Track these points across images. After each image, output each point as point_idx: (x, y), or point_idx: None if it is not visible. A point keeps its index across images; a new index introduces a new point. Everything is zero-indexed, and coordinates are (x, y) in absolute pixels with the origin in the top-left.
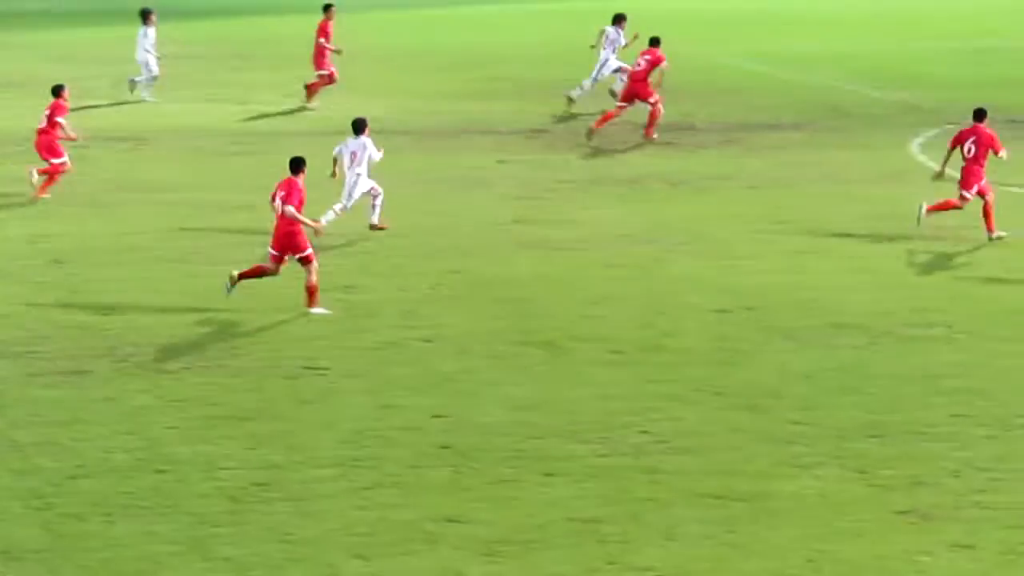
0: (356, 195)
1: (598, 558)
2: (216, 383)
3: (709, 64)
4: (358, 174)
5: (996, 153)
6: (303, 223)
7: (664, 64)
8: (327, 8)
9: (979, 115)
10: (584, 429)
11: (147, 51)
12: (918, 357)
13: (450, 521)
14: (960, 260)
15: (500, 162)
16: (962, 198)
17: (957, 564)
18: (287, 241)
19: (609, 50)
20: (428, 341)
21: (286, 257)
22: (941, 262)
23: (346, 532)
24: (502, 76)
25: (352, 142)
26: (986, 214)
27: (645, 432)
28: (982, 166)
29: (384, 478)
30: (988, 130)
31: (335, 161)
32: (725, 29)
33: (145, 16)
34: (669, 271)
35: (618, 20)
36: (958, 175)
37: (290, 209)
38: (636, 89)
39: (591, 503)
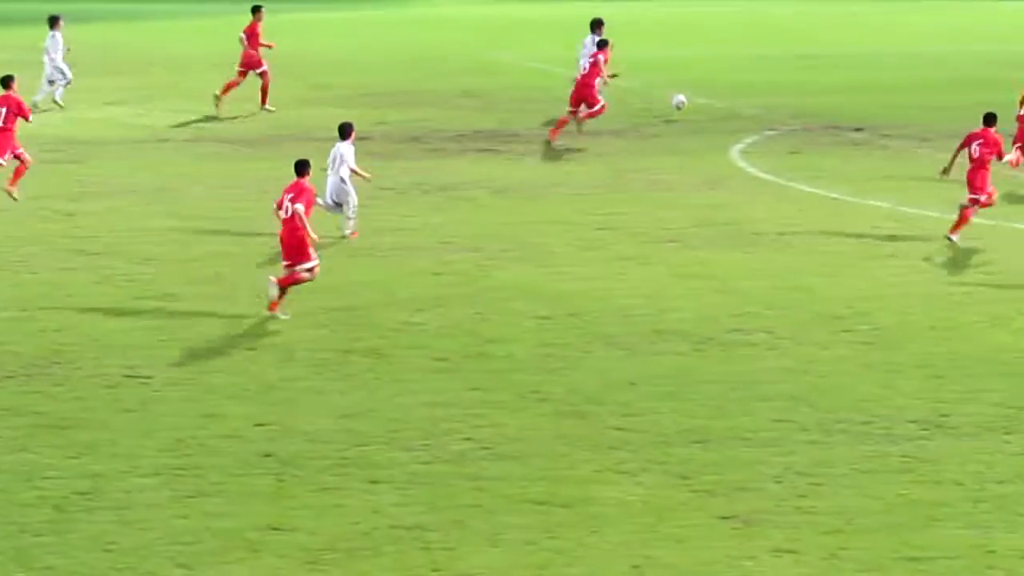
0: (332, 199)
1: (423, 565)
2: (38, 391)
3: (533, 71)
4: (341, 177)
5: (1000, 158)
6: (305, 230)
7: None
8: (256, 9)
9: (989, 119)
10: (408, 436)
11: (54, 57)
12: (740, 363)
13: (273, 529)
14: (780, 266)
15: (323, 170)
16: (973, 202)
17: (780, 569)
18: (295, 250)
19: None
20: (252, 349)
21: (297, 267)
22: (762, 268)
23: (169, 541)
24: (323, 84)
25: (339, 145)
26: (962, 218)
27: (469, 439)
28: (988, 169)
29: (207, 487)
30: (995, 135)
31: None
32: (550, 35)
33: (53, 22)
34: (493, 278)
35: (596, 27)
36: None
37: (299, 207)
38: (583, 93)
39: (415, 510)
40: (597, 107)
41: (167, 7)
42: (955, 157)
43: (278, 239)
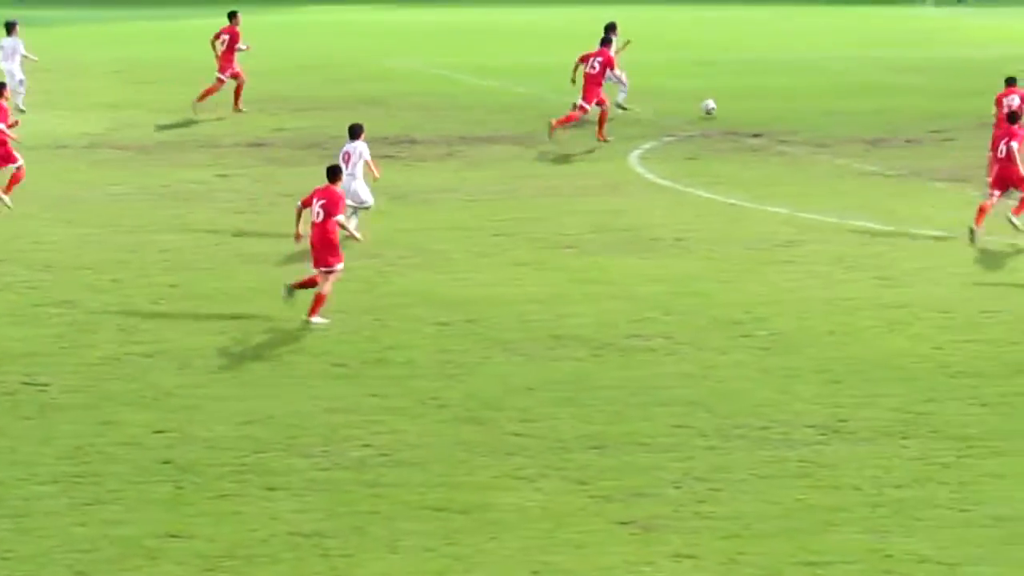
0: (351, 198)
1: (321, 572)
2: None
3: (429, 77)
4: (351, 175)
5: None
6: (349, 233)
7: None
8: (233, 15)
9: (1013, 118)
10: (307, 443)
11: (13, 62)
12: (639, 369)
13: (172, 537)
14: (679, 272)
15: (221, 176)
16: (991, 196)
17: (679, 574)
18: (325, 253)
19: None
20: (149, 356)
21: (320, 268)
22: (660, 274)
23: (67, 549)
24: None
25: (348, 145)
26: (981, 210)
27: (368, 445)
28: (1017, 165)
29: (105, 494)
30: (1022, 131)
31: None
32: (445, 42)
33: (10, 28)
34: (392, 284)
35: (610, 28)
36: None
37: (341, 218)
38: (591, 91)
39: (313, 517)
40: (603, 103)
41: (63, 13)
42: (994, 159)
43: (308, 242)
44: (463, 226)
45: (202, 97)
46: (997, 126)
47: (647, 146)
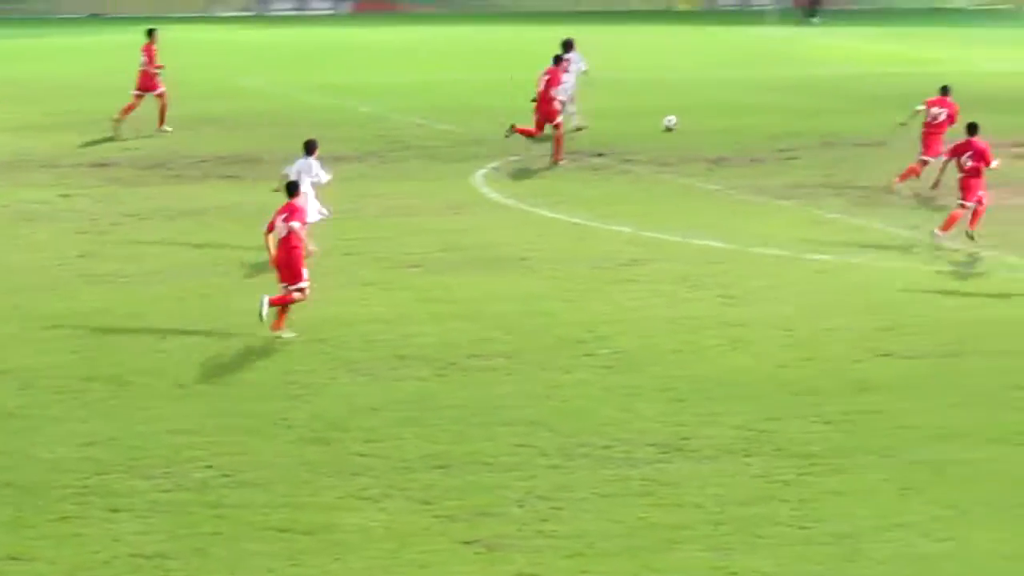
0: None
1: None
2: None
3: (274, 95)
4: (304, 192)
5: (988, 165)
6: (303, 243)
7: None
8: (151, 32)
9: (972, 129)
10: (149, 464)
11: None
12: (482, 388)
13: (12, 559)
14: (523, 291)
15: (63, 196)
16: (962, 207)
17: None
18: (290, 270)
19: (572, 74)
20: None
21: (291, 287)
22: (505, 293)
23: None
24: (61, 109)
25: (300, 162)
26: (975, 215)
27: (210, 466)
28: (981, 176)
29: None
30: (982, 143)
31: (282, 180)
32: (293, 61)
33: None
34: (235, 303)
35: (567, 47)
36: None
37: (295, 224)
38: (544, 110)
39: (156, 538)
40: (557, 121)
41: None
42: (944, 168)
43: (272, 261)
44: None
45: (161, 119)
46: (932, 132)
47: (492, 166)
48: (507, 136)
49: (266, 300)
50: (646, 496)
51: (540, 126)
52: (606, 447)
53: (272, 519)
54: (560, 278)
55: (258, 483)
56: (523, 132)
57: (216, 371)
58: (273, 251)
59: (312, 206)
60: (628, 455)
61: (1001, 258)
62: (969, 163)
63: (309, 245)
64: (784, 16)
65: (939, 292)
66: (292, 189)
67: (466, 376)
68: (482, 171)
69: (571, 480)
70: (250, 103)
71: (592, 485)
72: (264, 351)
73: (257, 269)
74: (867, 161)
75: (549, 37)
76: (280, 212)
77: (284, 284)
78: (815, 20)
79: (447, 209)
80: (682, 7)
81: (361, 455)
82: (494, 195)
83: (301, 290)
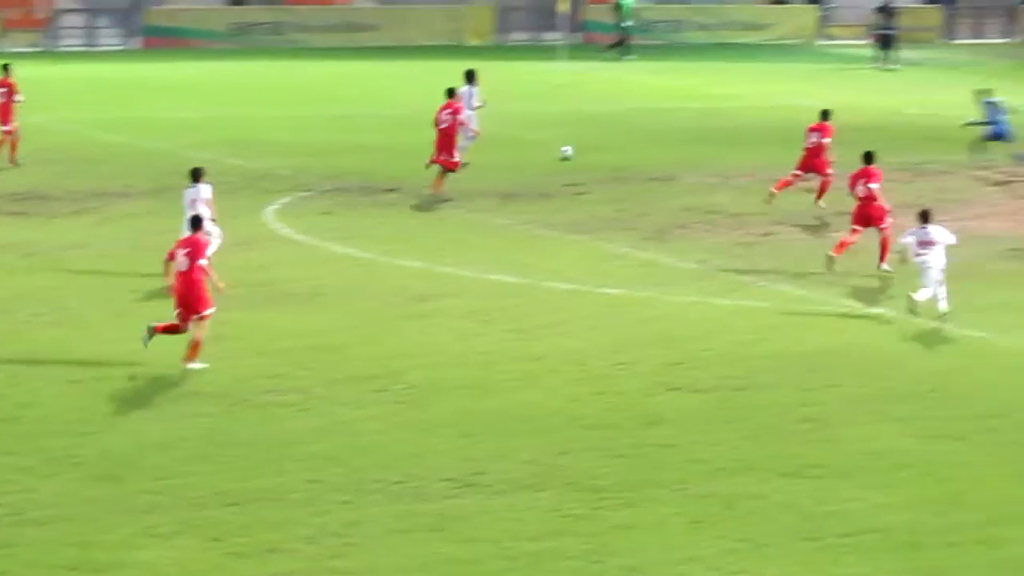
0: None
1: None
2: None
3: (56, 132)
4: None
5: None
6: (211, 278)
7: (460, 116)
8: (6, 67)
9: (868, 158)
10: None
11: None
12: (273, 424)
13: None
14: (314, 326)
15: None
16: (854, 232)
17: None
18: (194, 300)
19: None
20: None
21: (192, 316)
22: (296, 328)
23: None
24: None
25: (190, 190)
26: (883, 246)
27: None
28: (880, 199)
29: None
30: (877, 170)
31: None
32: (81, 97)
33: None
34: (24, 342)
35: (470, 78)
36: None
37: (203, 263)
38: (443, 143)
39: None
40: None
41: None
42: (855, 195)
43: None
44: (98, 283)
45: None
46: (813, 154)
47: (283, 201)
48: (428, 166)
49: (154, 326)
50: (439, 531)
51: (450, 155)
52: (398, 482)
53: (61, 557)
54: (352, 313)
55: (46, 521)
56: (447, 167)
57: (3, 409)
58: (170, 281)
59: (214, 229)
60: (420, 490)
61: (792, 291)
62: (864, 191)
63: (217, 283)
64: (574, 52)
65: (729, 326)
66: (195, 223)
67: (258, 412)
68: (274, 206)
69: (363, 516)
70: (30, 140)
71: (384, 521)
72: (52, 389)
73: (50, 307)
74: (656, 195)
75: (342, 72)
76: (181, 245)
77: (183, 313)
78: (631, 56)
79: (238, 245)
80: (473, 42)
81: (151, 492)
82: (286, 230)
83: (205, 317)
